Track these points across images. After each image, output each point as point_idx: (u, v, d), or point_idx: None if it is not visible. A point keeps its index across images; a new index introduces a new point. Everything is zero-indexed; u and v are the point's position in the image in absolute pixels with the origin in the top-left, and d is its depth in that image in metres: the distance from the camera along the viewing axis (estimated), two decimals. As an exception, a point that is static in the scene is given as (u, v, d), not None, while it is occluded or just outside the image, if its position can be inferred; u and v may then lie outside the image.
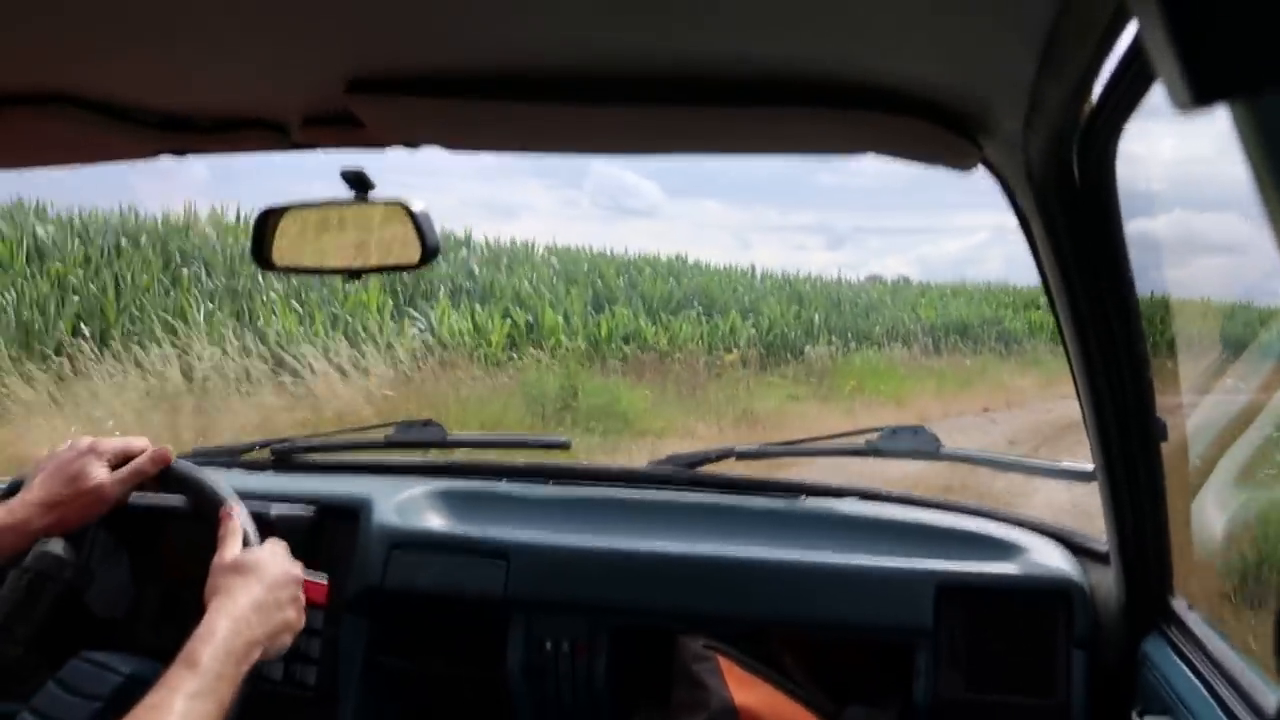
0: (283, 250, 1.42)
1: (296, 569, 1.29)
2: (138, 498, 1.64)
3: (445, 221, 13.77)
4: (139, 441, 1.42)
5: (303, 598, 1.28)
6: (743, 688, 1.47)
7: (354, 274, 1.46)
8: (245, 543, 1.31)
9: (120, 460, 1.39)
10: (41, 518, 1.31)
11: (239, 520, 1.34)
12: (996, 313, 19.11)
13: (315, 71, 0.96)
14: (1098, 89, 0.82)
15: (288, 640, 1.23)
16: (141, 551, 1.74)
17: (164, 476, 1.44)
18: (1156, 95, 0.81)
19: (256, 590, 1.20)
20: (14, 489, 1.46)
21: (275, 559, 1.27)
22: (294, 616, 1.25)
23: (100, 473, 1.35)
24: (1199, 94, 0.27)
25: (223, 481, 1.45)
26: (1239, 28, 0.26)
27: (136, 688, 1.29)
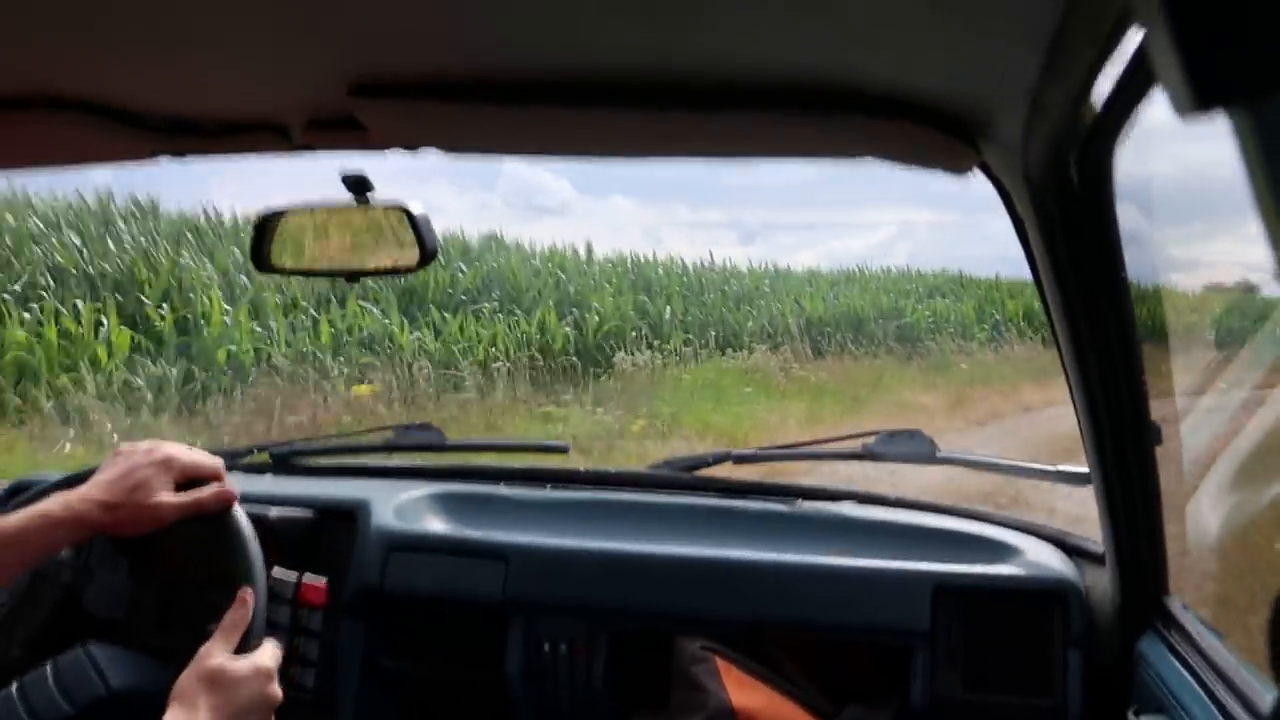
0: (282, 252, 1.42)
1: (278, 695, 1.22)
2: None
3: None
4: (211, 463, 1.35)
5: None
6: (741, 689, 1.47)
7: (352, 276, 1.47)
8: (245, 639, 1.24)
9: (187, 480, 1.33)
10: (99, 517, 1.26)
11: (249, 612, 1.26)
12: (897, 304, 15.96)
13: (318, 75, 0.97)
14: (1099, 94, 0.82)
15: None
16: (141, 552, 1.74)
17: (219, 516, 1.36)
18: (1158, 102, 0.81)
19: (221, 713, 1.13)
20: (83, 477, 1.44)
21: (259, 679, 1.19)
22: None
23: (164, 490, 1.29)
24: (1202, 100, 0.27)
25: (259, 552, 1.37)
26: (1242, 34, 0.26)
27: (114, 703, 1.28)
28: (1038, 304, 1.25)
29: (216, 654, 1.18)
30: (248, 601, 1.26)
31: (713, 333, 13.00)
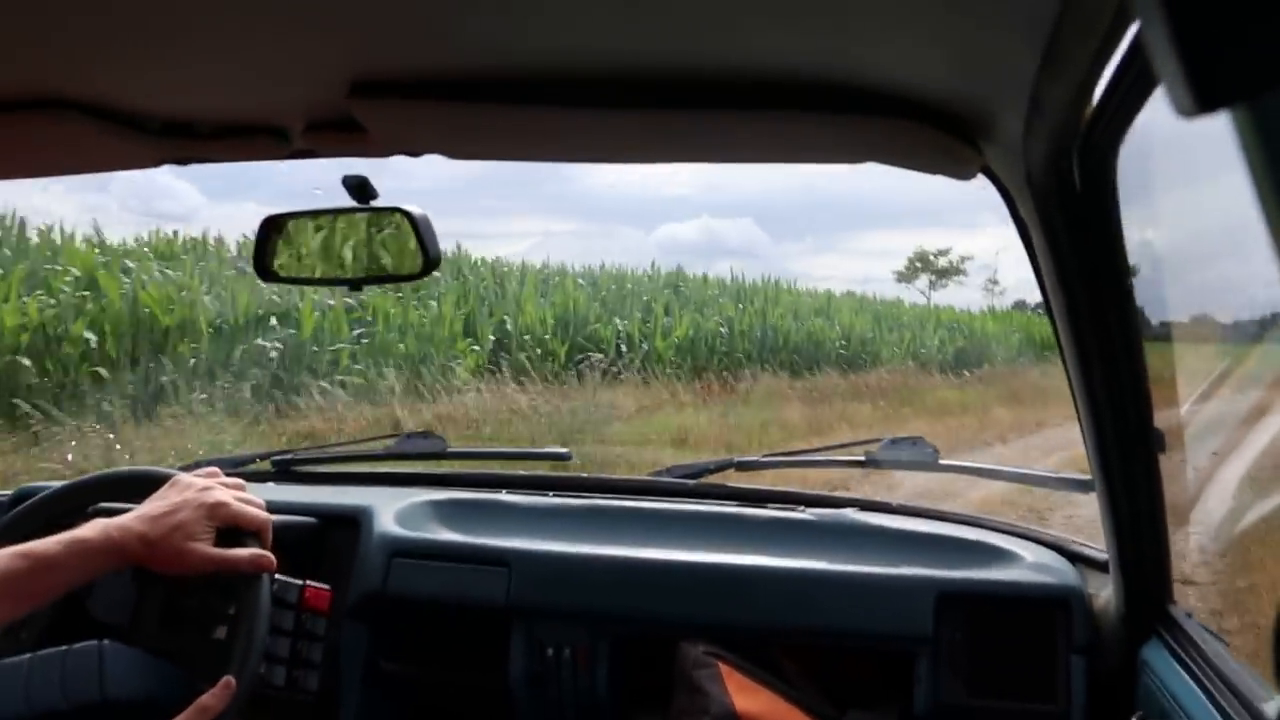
0: (285, 259, 1.42)
1: None
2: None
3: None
4: (258, 519, 1.32)
5: None
6: (743, 694, 1.47)
7: (356, 284, 1.47)
8: None
9: (229, 530, 1.29)
10: (137, 551, 1.23)
11: (223, 705, 1.22)
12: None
13: (318, 77, 0.97)
14: (1100, 93, 0.82)
15: None
16: None
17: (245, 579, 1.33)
18: (1158, 102, 0.81)
19: None
20: (116, 485, 1.44)
21: None
22: None
23: (204, 537, 1.26)
24: (1202, 99, 0.27)
25: (265, 630, 1.34)
26: (1243, 30, 0.26)
27: (105, 710, 1.28)
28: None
29: None
30: (226, 694, 1.22)
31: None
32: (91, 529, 1.22)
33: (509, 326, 13.45)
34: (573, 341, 13.96)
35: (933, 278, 37.42)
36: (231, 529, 1.29)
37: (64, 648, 1.28)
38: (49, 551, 1.19)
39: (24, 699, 1.24)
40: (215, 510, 1.27)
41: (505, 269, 16.02)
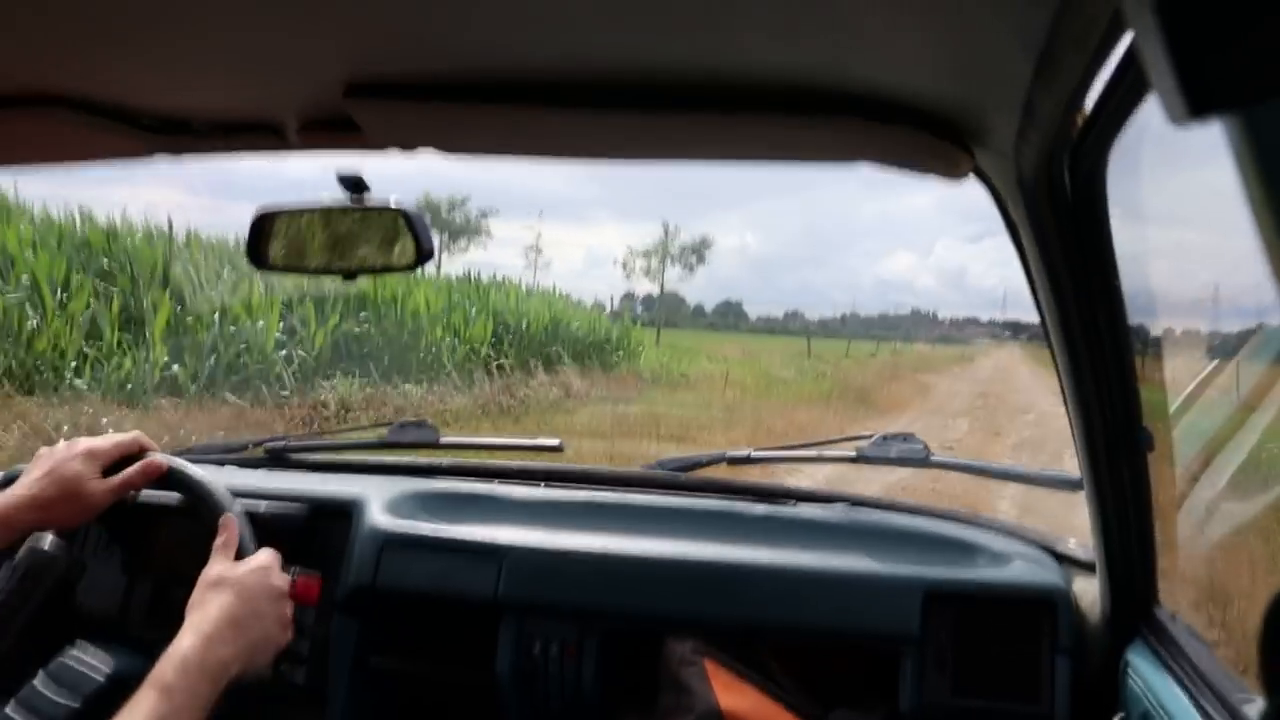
0: (279, 251, 1.42)
1: (283, 582, 1.28)
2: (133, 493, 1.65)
3: None
4: (129, 441, 1.42)
5: (289, 612, 1.27)
6: (729, 692, 1.47)
7: (349, 275, 1.47)
8: (240, 554, 1.31)
9: (115, 463, 1.39)
10: (27, 515, 1.31)
11: (235, 530, 1.34)
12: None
13: (313, 74, 0.97)
14: (1092, 99, 0.83)
15: (269, 656, 1.22)
16: (135, 546, 1.75)
17: (167, 478, 1.44)
18: (1150, 108, 0.82)
19: (233, 605, 1.19)
20: (8, 481, 1.47)
21: (260, 573, 1.26)
22: (276, 631, 1.24)
23: (91, 478, 1.35)
24: (1195, 106, 0.27)
25: (222, 487, 1.46)
26: (1235, 41, 0.26)
27: (116, 689, 1.30)
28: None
29: (216, 566, 1.26)
30: (231, 524, 1.35)
31: None
32: None
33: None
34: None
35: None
36: (114, 463, 1.40)
37: (40, 672, 1.34)
38: None
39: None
40: (91, 454, 1.37)
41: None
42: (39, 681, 1.33)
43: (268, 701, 1.64)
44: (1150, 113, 0.82)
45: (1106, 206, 1.03)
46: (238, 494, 1.49)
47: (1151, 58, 0.28)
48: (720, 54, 0.87)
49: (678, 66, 0.90)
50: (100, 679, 1.34)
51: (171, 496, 1.60)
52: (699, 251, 56.33)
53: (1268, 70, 0.27)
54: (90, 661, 1.37)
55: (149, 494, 1.63)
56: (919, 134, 0.97)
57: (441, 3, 0.79)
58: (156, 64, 0.95)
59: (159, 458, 1.43)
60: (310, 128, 1.11)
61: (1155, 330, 1.30)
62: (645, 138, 1.10)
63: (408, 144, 1.15)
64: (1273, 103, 0.28)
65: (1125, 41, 0.68)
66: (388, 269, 1.42)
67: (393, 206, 1.33)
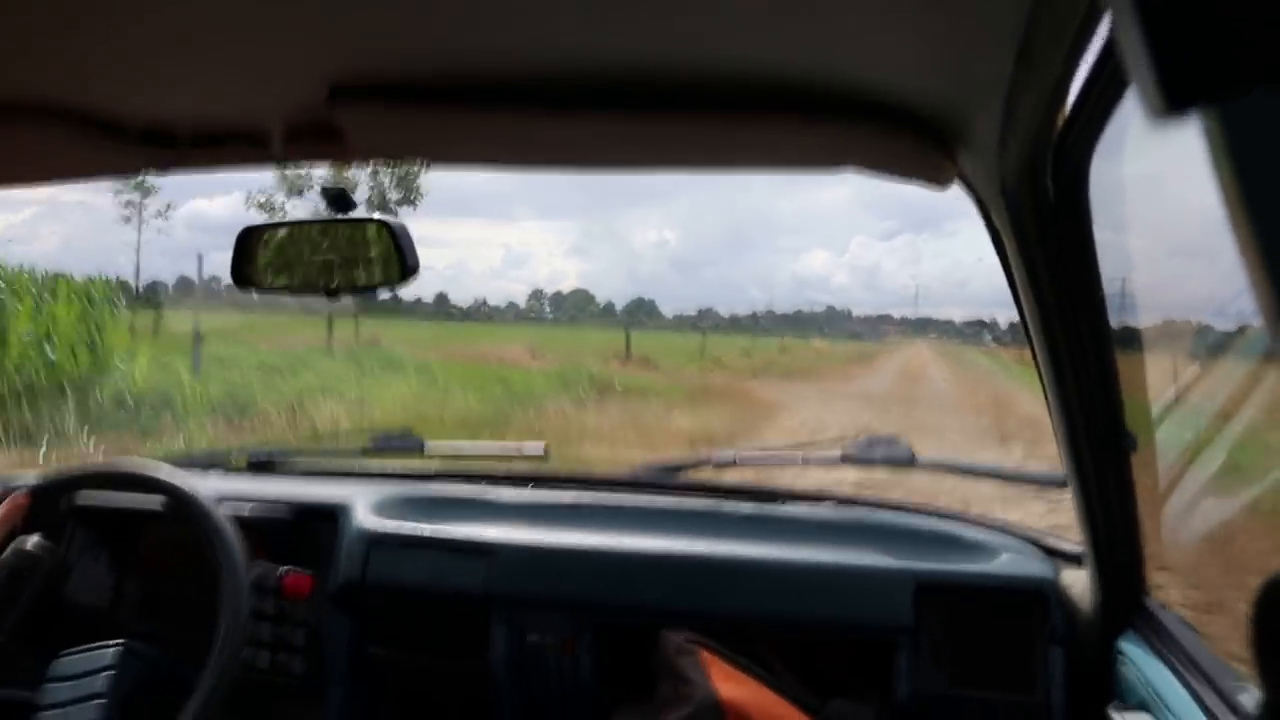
0: (263, 269, 1.41)
1: None
2: (115, 499, 1.69)
3: None
4: None
5: None
6: (727, 682, 1.47)
7: (333, 293, 1.46)
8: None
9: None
10: None
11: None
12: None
13: (297, 82, 0.96)
14: (1072, 98, 0.83)
15: None
16: (121, 547, 1.77)
17: (146, 484, 1.50)
18: (1130, 109, 0.82)
19: None
20: (6, 491, 1.53)
21: None
22: None
23: None
24: (1172, 99, 0.26)
25: (204, 489, 1.48)
26: (1213, 30, 0.26)
27: (127, 674, 1.37)
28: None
29: None
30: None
31: None
32: None
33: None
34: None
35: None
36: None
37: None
38: None
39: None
40: None
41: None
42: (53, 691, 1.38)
43: (267, 693, 1.65)
44: (1130, 113, 0.83)
45: (1089, 209, 1.04)
46: (223, 498, 1.51)
47: (1129, 45, 0.27)
48: (705, 57, 0.87)
49: (661, 71, 0.90)
50: (113, 673, 1.40)
51: (154, 500, 1.61)
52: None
53: (1245, 65, 0.26)
54: (89, 662, 1.41)
55: (132, 499, 1.66)
56: (904, 137, 0.98)
57: (426, 10, 0.79)
58: (141, 75, 0.95)
59: (19, 495, 1.51)
60: (296, 137, 1.10)
61: (1138, 331, 1.31)
62: (630, 144, 1.10)
63: (393, 153, 1.15)
64: (1256, 98, 0.27)
65: (1104, 33, 0.68)
66: (374, 286, 1.41)
67: (376, 221, 1.33)
